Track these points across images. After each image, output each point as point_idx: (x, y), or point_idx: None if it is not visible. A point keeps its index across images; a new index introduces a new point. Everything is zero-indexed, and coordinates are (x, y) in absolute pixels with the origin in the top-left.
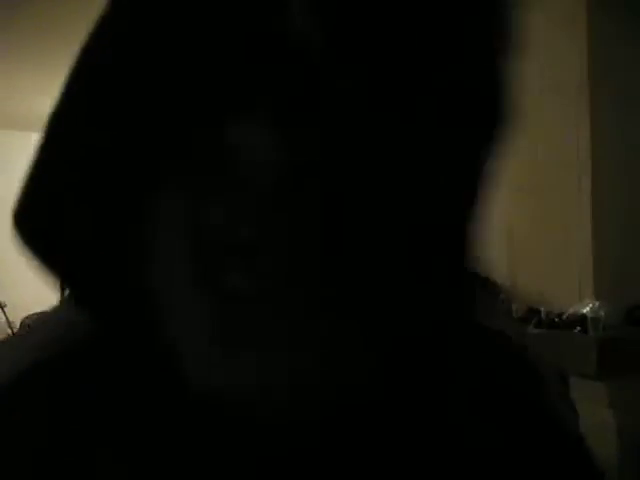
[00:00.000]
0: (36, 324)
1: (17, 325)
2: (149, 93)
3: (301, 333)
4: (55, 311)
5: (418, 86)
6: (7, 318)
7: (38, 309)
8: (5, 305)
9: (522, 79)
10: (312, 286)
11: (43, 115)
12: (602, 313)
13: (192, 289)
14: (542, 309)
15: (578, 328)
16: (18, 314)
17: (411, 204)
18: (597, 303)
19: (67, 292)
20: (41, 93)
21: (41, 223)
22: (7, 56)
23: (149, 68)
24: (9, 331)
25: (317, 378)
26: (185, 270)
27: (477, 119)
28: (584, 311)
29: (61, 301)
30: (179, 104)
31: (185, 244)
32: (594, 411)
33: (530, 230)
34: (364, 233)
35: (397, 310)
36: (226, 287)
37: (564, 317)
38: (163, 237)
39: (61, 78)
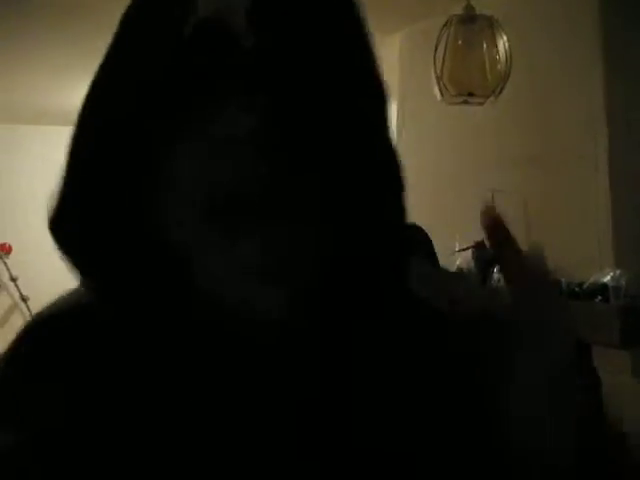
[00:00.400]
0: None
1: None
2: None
3: (277, 237)
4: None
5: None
6: (30, 312)
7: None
8: (28, 299)
9: (534, 48)
10: (292, 206)
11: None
12: (623, 281)
13: (204, 225)
14: (562, 280)
15: (599, 297)
16: (41, 308)
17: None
18: (618, 271)
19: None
20: (42, 88)
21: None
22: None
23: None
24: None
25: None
26: (196, 211)
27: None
28: (605, 280)
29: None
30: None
31: (195, 192)
32: (618, 380)
33: (546, 201)
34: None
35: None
36: (232, 218)
37: (585, 287)
38: (177, 188)
39: (59, 72)
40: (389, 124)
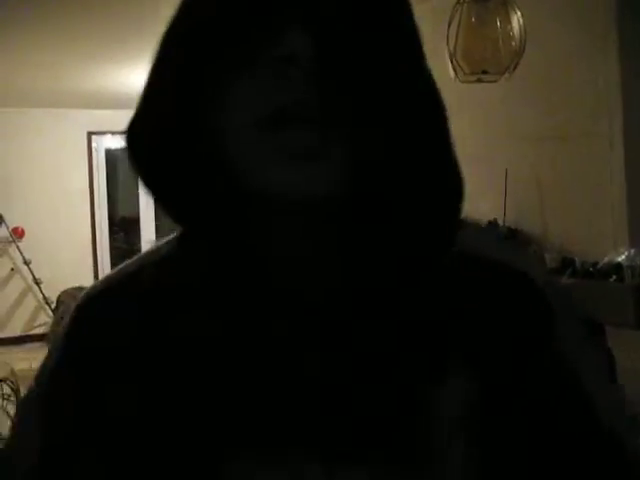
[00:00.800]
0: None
1: (53, 300)
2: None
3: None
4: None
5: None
6: (43, 294)
7: (71, 285)
8: (41, 282)
9: (547, 25)
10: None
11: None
12: (638, 261)
13: (263, 140)
14: (576, 259)
15: (614, 277)
16: (54, 291)
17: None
18: (632, 251)
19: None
20: (37, 69)
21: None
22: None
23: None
24: (46, 307)
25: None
26: (254, 128)
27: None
28: (619, 259)
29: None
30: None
31: (255, 109)
32: (633, 359)
33: (560, 179)
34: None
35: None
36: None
37: (599, 266)
38: (238, 107)
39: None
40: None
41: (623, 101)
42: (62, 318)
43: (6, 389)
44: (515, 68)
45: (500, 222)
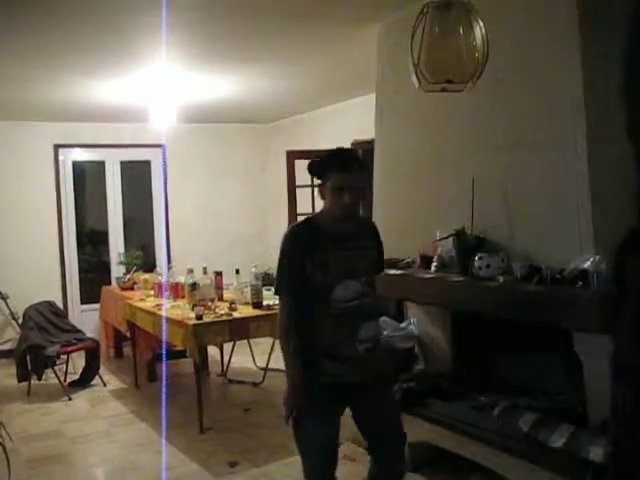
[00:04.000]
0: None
1: (19, 315)
2: None
3: None
4: None
5: None
6: (10, 309)
7: (39, 299)
8: (7, 297)
9: (513, 36)
10: None
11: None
12: (603, 267)
13: None
14: (543, 266)
15: (580, 283)
16: (21, 305)
17: None
18: (597, 257)
19: None
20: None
21: None
22: None
23: None
24: (13, 322)
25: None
26: None
27: None
28: (585, 266)
29: None
30: None
31: None
32: (599, 364)
33: (526, 187)
34: None
35: None
36: None
37: (565, 273)
38: None
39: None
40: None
41: (587, 111)
42: (30, 330)
43: None
44: (479, 77)
45: (468, 230)
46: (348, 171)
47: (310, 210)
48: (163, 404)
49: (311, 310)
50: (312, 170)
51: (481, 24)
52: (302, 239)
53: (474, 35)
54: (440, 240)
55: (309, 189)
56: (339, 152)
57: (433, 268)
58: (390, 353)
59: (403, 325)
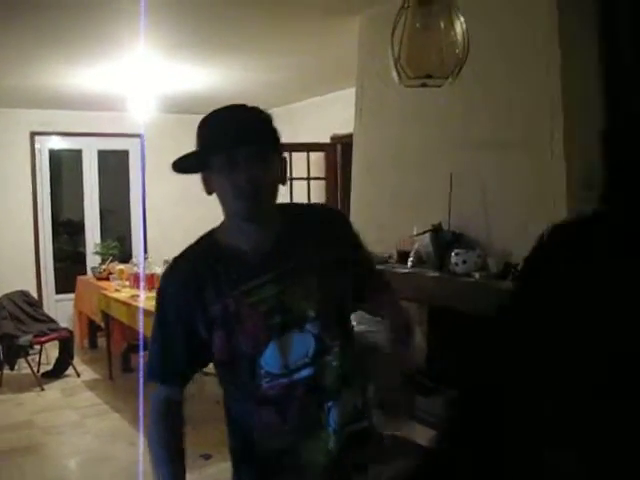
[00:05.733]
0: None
1: None
2: None
3: None
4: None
5: None
6: None
7: (13, 289)
8: None
9: (494, 33)
10: None
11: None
12: None
13: None
14: (518, 264)
15: None
16: None
17: None
18: None
19: None
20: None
21: None
22: None
23: None
24: None
25: None
26: None
27: None
28: None
29: None
30: None
31: None
32: None
33: (504, 184)
34: None
35: None
36: None
37: None
38: None
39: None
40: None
41: (564, 110)
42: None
43: None
44: (459, 73)
45: (445, 226)
46: (237, 138)
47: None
48: (140, 395)
49: (236, 397)
50: (182, 164)
51: (462, 20)
52: (190, 277)
53: (455, 31)
54: (417, 235)
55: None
56: (214, 115)
57: (410, 263)
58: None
59: (379, 320)
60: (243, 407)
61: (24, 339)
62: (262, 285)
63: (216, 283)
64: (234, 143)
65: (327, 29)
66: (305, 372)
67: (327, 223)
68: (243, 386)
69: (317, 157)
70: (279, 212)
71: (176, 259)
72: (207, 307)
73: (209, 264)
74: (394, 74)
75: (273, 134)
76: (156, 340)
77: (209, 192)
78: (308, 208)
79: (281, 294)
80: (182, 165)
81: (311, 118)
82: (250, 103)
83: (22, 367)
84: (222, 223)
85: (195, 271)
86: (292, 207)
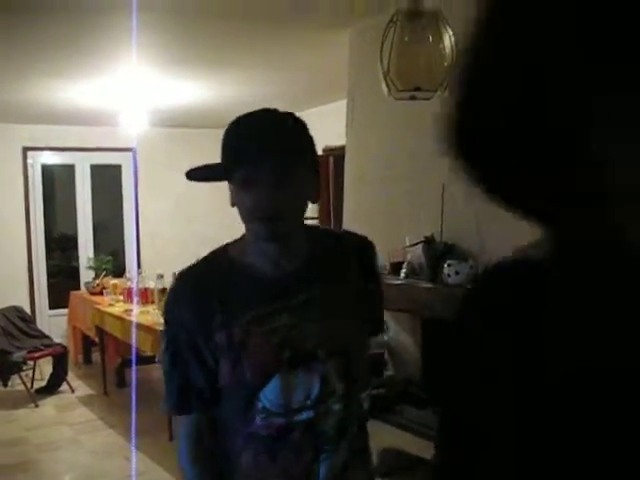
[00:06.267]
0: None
1: None
2: None
3: None
4: None
5: None
6: None
7: (7, 304)
8: None
9: None
10: None
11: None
12: None
13: None
14: None
15: None
16: None
17: None
18: None
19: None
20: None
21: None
22: None
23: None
24: None
25: None
26: None
27: None
28: None
29: None
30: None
31: None
32: None
33: None
34: None
35: None
36: None
37: None
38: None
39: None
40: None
41: None
42: None
43: None
44: (447, 86)
45: (437, 237)
46: (261, 150)
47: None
48: (133, 410)
49: (228, 427)
50: (201, 174)
51: (450, 33)
52: (196, 298)
53: (443, 43)
54: (409, 247)
55: None
56: (239, 122)
57: (402, 274)
58: None
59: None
60: (233, 441)
61: (17, 355)
62: (276, 312)
63: (226, 306)
64: (257, 157)
65: (318, 42)
66: (304, 415)
67: (357, 254)
68: (237, 418)
69: None
70: (307, 234)
71: (182, 274)
72: (214, 332)
73: (221, 283)
74: (383, 87)
75: (304, 145)
76: (169, 366)
77: (232, 204)
78: (341, 234)
79: (295, 326)
80: (200, 174)
81: None
82: None
83: (15, 383)
84: (240, 239)
85: (202, 290)
86: (322, 231)
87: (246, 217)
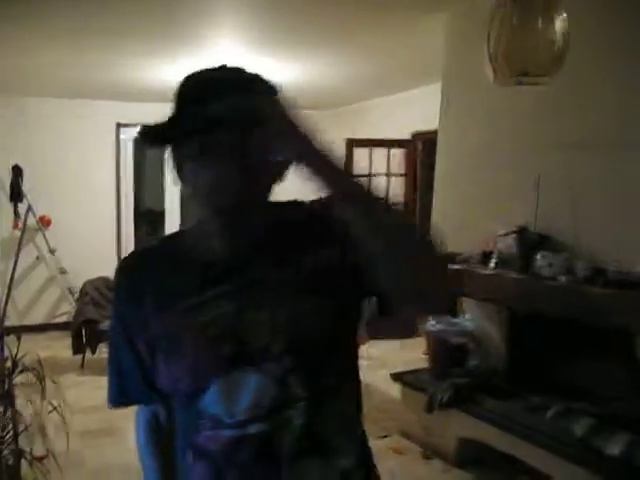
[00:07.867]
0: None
1: (76, 290)
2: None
3: None
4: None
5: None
6: (68, 283)
7: (95, 275)
8: (65, 271)
9: (584, 30)
10: None
11: None
12: None
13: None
14: (608, 268)
15: None
16: (76, 280)
17: None
18: None
19: None
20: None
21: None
22: None
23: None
24: (69, 296)
25: None
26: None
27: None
28: None
29: None
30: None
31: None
32: None
33: (592, 187)
34: None
35: None
36: None
37: (631, 276)
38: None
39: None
40: None
41: None
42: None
43: (30, 377)
44: (557, 71)
45: (531, 228)
46: (211, 118)
47: None
48: None
49: (177, 443)
50: (153, 137)
51: (563, 16)
52: (136, 281)
53: (554, 28)
54: (502, 236)
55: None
56: (189, 79)
57: (492, 264)
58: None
59: (457, 320)
60: (184, 454)
61: (105, 324)
62: (215, 300)
63: (158, 295)
64: (208, 124)
65: (412, 25)
66: (255, 427)
67: (327, 221)
68: (183, 427)
69: (398, 153)
70: (271, 210)
71: (128, 256)
72: (147, 325)
73: (157, 268)
74: (489, 72)
75: (266, 107)
76: (112, 355)
77: (180, 177)
78: (309, 203)
79: (239, 315)
80: (147, 138)
81: (393, 114)
82: (331, 98)
83: (102, 351)
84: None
85: (144, 274)
86: (289, 205)
87: (197, 193)
